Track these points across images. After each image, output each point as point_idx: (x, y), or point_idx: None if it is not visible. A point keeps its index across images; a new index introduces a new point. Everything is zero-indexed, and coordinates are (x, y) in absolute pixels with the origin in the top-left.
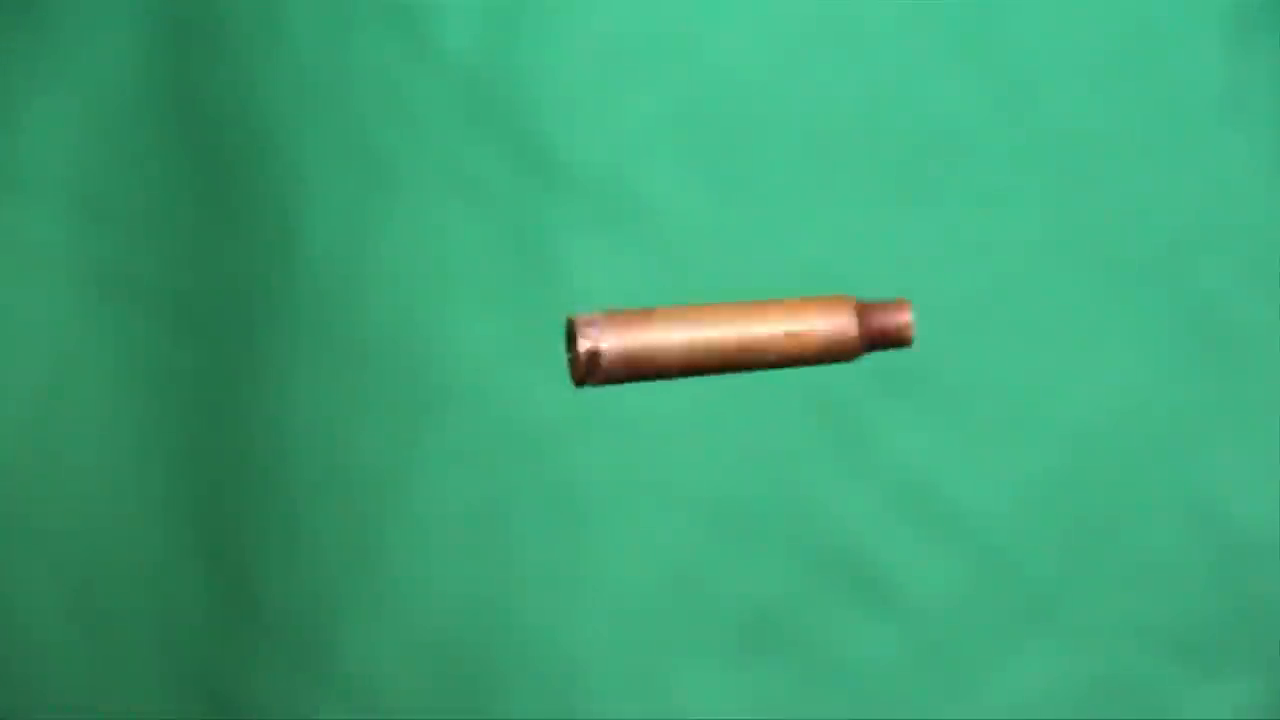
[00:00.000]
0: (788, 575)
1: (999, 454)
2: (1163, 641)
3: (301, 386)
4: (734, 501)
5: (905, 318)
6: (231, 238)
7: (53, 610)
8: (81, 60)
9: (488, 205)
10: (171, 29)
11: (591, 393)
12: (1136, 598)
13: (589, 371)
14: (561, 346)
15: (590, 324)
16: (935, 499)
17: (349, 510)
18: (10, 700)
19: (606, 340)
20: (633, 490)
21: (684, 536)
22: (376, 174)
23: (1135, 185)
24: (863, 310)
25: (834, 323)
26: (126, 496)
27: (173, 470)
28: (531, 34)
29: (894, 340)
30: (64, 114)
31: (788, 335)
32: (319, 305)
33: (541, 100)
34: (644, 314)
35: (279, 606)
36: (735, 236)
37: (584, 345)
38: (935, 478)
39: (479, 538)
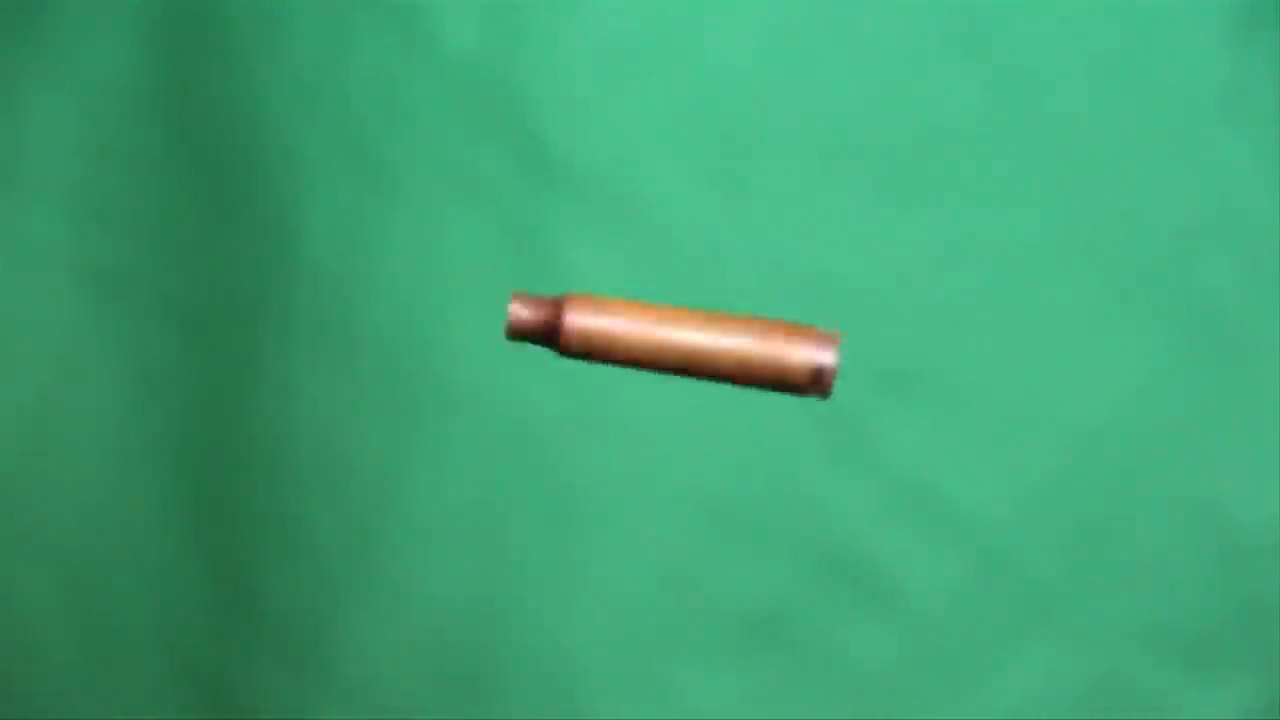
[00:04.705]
0: (787, 575)
1: (999, 454)
2: (1163, 641)
3: (301, 386)
4: (734, 501)
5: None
6: (231, 238)
7: (53, 610)
8: (81, 60)
9: (488, 205)
10: (171, 29)
11: (591, 393)
12: (1136, 598)
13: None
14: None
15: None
16: (935, 499)
17: (349, 510)
18: (10, 700)
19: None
20: (633, 490)
21: (684, 536)
22: (376, 174)
23: (1135, 185)
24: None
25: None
26: (127, 497)
27: (173, 470)
28: (531, 34)
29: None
30: (64, 114)
31: (740, 363)
32: (319, 305)
33: (541, 100)
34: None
35: (279, 606)
36: (735, 236)
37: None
38: (935, 478)
39: (479, 537)
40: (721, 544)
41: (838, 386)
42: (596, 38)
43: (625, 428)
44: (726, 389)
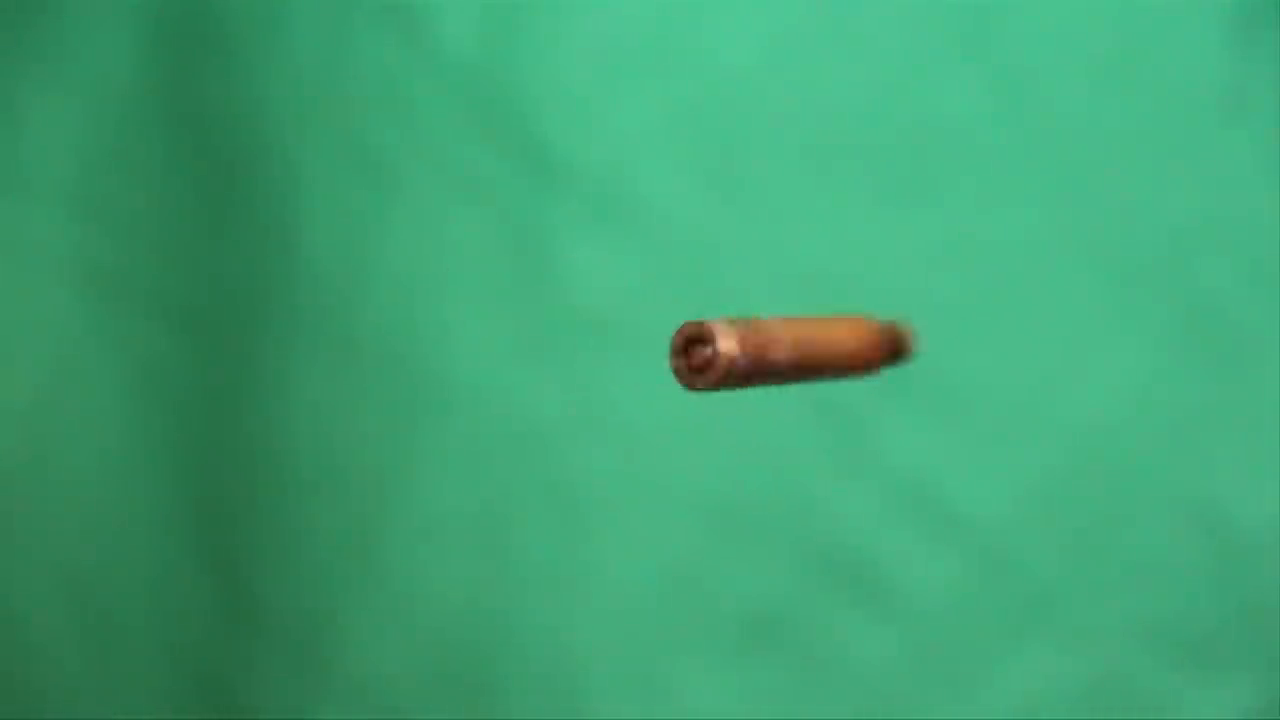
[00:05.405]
0: (787, 575)
1: (999, 454)
2: (1163, 641)
3: (301, 386)
4: (734, 501)
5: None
6: (231, 238)
7: (53, 611)
8: (81, 60)
9: (488, 205)
10: (171, 30)
11: (592, 392)
12: (1136, 598)
13: (724, 375)
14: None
15: (729, 327)
16: (935, 499)
17: (349, 510)
18: (11, 701)
19: (739, 344)
20: (633, 490)
21: (684, 536)
22: (376, 174)
23: (1135, 185)
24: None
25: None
26: (126, 497)
27: (173, 471)
28: (531, 34)
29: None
30: (64, 114)
31: (851, 356)
32: (319, 305)
33: (541, 100)
34: (758, 323)
35: (279, 606)
36: (735, 236)
37: (725, 347)
38: (935, 478)
39: (479, 538)
40: (721, 544)
41: (838, 386)
42: (596, 38)
43: (625, 428)
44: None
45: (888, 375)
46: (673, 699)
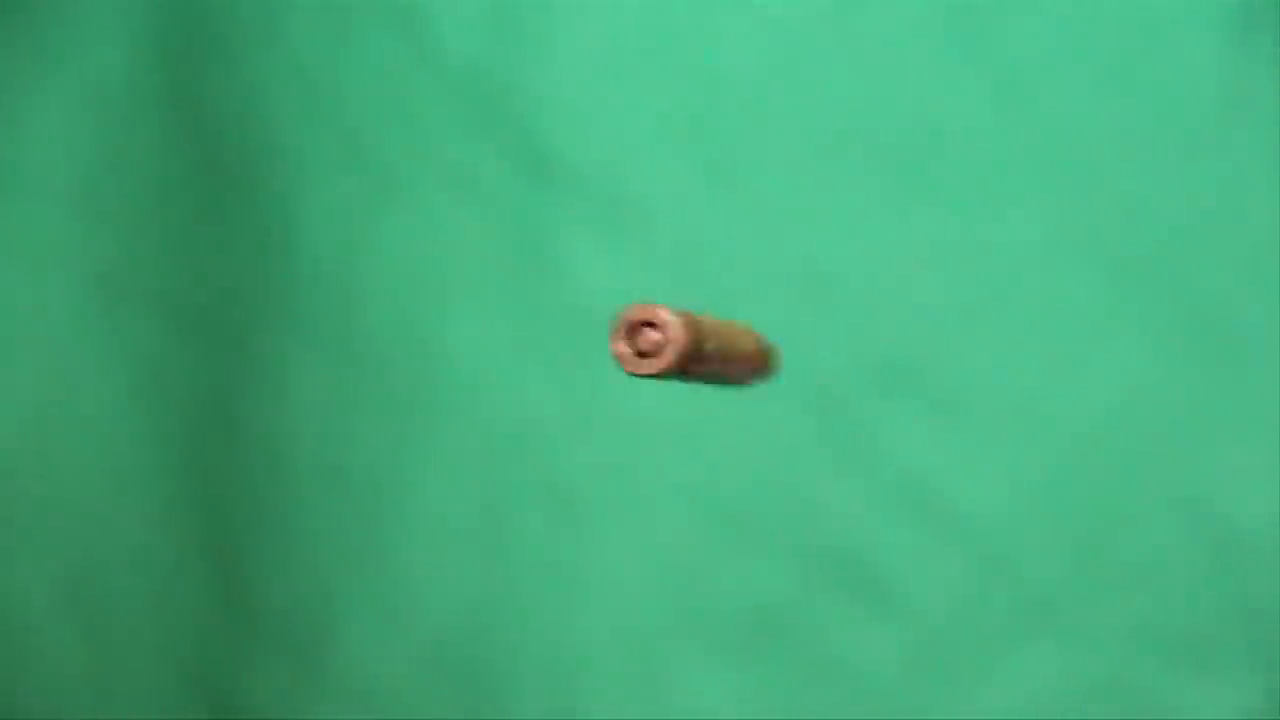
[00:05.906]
0: (787, 575)
1: (999, 454)
2: (1163, 641)
3: (301, 386)
4: (734, 501)
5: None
6: (231, 238)
7: (52, 611)
8: (81, 60)
9: (488, 205)
10: (171, 30)
11: (591, 392)
12: (1136, 598)
13: (674, 361)
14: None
15: (678, 315)
16: (935, 499)
17: (348, 510)
18: (11, 701)
19: (685, 331)
20: (632, 490)
21: (684, 536)
22: (376, 174)
23: (1135, 185)
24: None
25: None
26: (126, 497)
27: (172, 470)
28: (531, 35)
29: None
30: (64, 114)
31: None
32: (318, 305)
33: (541, 101)
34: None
35: (278, 606)
36: (734, 236)
37: (675, 333)
38: (935, 478)
39: (478, 538)
40: (721, 544)
41: (838, 386)
42: (596, 38)
43: (625, 428)
44: (727, 389)
45: (888, 375)
46: (673, 699)
